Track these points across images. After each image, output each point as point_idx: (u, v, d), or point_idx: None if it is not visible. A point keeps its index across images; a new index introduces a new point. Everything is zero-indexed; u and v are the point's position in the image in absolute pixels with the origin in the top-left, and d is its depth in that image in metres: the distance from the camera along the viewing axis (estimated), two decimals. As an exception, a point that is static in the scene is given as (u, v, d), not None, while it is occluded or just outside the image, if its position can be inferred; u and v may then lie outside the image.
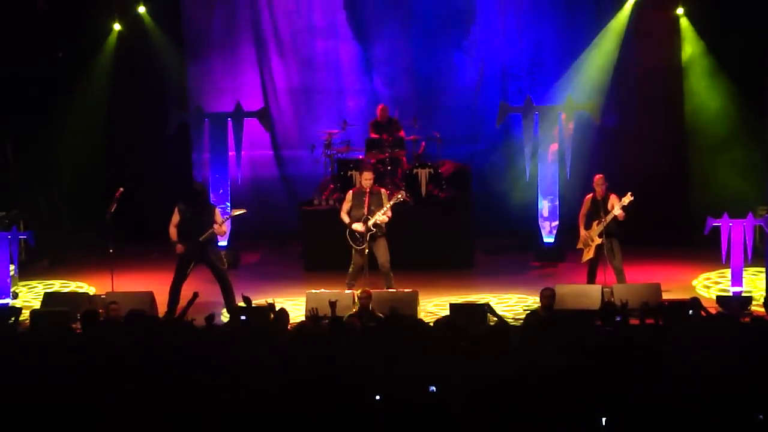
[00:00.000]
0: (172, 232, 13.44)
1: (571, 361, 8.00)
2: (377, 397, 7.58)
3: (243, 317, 10.97)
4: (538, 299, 11.74)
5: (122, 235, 14.51)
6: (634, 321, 10.08)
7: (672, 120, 17.94)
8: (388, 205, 13.83)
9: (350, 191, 14.24)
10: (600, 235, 13.70)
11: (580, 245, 14.14)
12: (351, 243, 13.90)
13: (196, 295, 10.99)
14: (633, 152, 17.91)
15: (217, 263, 13.53)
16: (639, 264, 15.23)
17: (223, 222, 13.55)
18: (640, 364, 8.00)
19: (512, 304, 13.97)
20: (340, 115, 18.24)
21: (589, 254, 13.94)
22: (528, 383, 7.66)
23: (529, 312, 11.88)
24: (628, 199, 13.59)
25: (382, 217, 13.75)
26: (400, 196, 14.12)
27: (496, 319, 10.97)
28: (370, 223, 13.77)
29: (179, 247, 13.37)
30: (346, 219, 13.96)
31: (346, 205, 14.07)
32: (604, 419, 7.42)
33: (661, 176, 17.70)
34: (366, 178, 14.00)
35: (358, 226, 13.77)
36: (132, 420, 7.46)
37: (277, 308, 10.65)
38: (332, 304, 11.13)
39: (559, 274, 15.70)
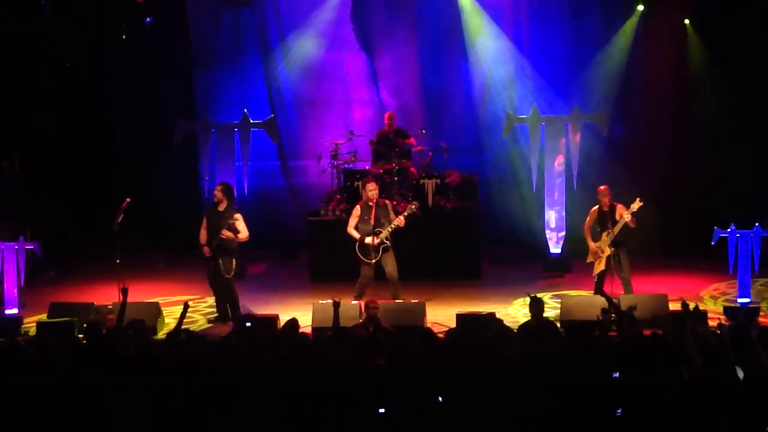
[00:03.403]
0: (201, 234, 13.69)
1: (576, 371, 7.98)
2: (381, 410, 7.56)
3: (248, 325, 10.99)
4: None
5: (129, 245, 14.51)
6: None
7: (679, 130, 17.94)
8: (402, 217, 13.80)
9: (357, 206, 14.18)
10: (610, 246, 13.60)
11: (590, 258, 13.97)
12: (361, 257, 13.86)
13: (186, 306, 10.78)
14: (640, 162, 17.91)
15: (220, 270, 13.52)
16: (646, 274, 15.20)
17: (230, 226, 13.48)
18: (647, 373, 7.98)
19: (520, 316, 13.93)
20: (347, 125, 18.25)
21: (600, 266, 13.74)
22: (532, 393, 7.64)
23: (520, 324, 11.78)
24: (637, 205, 13.49)
25: (400, 221, 13.73)
26: (413, 206, 14.08)
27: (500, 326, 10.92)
28: (383, 236, 13.73)
29: (205, 250, 13.52)
30: (355, 234, 13.91)
31: (353, 221, 14.01)
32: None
33: (668, 187, 17.71)
34: (371, 189, 13.96)
35: (370, 240, 13.73)
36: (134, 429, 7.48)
37: (286, 319, 10.61)
38: (336, 305, 10.94)
39: (565, 284, 15.70)
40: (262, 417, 7.53)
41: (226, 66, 18.85)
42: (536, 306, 11.17)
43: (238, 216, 13.61)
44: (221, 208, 13.63)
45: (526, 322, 11.28)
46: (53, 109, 18.20)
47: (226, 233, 13.45)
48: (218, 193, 13.68)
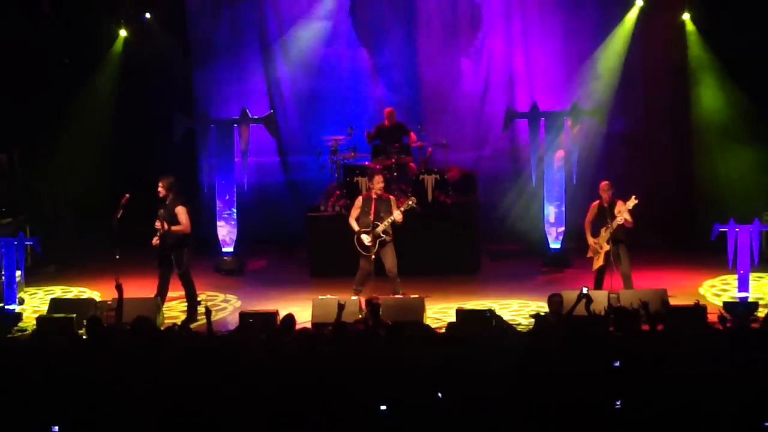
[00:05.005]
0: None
1: (581, 366, 7.98)
2: (383, 408, 7.55)
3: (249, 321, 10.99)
4: (545, 305, 11.69)
5: (129, 241, 14.50)
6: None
7: (678, 125, 17.92)
8: (399, 212, 13.82)
9: (359, 198, 14.28)
10: (608, 242, 13.64)
11: (590, 253, 14.04)
12: (359, 249, 13.91)
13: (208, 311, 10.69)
14: (639, 158, 17.90)
15: (173, 266, 13.67)
16: (645, 269, 15.19)
17: (164, 216, 13.60)
18: (649, 369, 7.98)
19: (515, 308, 13.95)
20: (346, 121, 18.18)
21: (599, 261, 13.83)
22: (537, 388, 7.64)
23: (537, 317, 11.80)
24: (632, 202, 13.53)
25: (397, 216, 13.74)
26: (411, 202, 14.12)
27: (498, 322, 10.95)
28: (379, 230, 13.77)
29: (154, 240, 13.64)
30: (354, 226, 14.00)
31: (354, 212, 14.10)
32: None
33: (667, 181, 17.71)
34: (378, 182, 14.00)
35: (366, 237, 13.76)
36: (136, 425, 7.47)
37: (283, 314, 10.62)
38: (340, 307, 11.03)
39: (565, 279, 15.69)
40: (262, 412, 7.53)
41: (225, 61, 18.80)
42: (558, 303, 11.23)
43: (179, 209, 13.68)
44: (168, 201, 13.73)
45: (543, 316, 11.27)
46: (52, 103, 18.17)
47: (159, 224, 13.51)
48: (161, 189, 13.78)
